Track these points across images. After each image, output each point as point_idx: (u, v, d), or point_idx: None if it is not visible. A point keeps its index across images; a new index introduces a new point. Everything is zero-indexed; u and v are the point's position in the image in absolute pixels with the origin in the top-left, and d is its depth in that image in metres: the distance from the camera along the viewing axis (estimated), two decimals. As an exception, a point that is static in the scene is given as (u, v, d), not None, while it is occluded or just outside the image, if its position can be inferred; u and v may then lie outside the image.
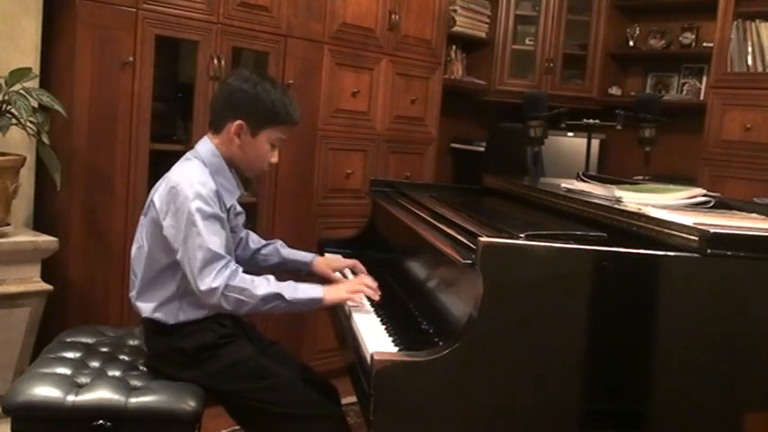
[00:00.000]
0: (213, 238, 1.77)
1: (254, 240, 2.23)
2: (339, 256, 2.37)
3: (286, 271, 2.25)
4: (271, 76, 2.03)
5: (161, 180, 1.91)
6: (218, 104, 1.97)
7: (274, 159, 1.99)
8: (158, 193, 1.86)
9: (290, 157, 3.00)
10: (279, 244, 2.25)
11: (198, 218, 1.76)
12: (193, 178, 1.82)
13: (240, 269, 1.80)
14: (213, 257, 1.75)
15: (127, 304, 2.53)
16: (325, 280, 2.18)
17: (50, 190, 2.41)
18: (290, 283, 1.84)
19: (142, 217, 1.94)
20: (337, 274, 2.19)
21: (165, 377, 1.86)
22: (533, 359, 1.45)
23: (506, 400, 1.45)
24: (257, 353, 1.93)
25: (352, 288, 1.94)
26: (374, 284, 1.97)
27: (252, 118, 1.90)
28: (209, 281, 1.74)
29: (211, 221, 1.78)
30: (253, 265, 2.23)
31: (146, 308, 1.88)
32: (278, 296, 1.79)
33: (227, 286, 1.75)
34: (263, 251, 2.23)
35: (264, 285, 1.79)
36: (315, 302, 1.87)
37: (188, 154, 1.96)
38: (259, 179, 2.95)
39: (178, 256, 1.79)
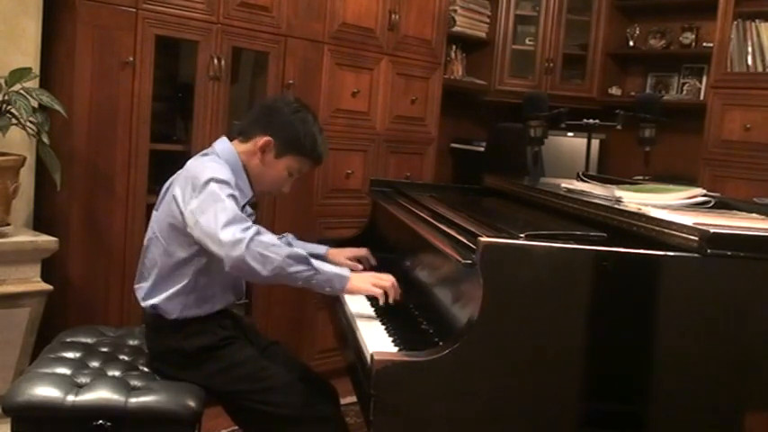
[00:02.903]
0: (236, 208, 1.77)
1: None
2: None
3: None
4: (314, 113, 2.04)
5: (175, 175, 1.92)
6: (255, 115, 2.01)
7: (286, 189, 2.02)
8: (177, 185, 1.85)
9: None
10: (290, 237, 2.25)
11: (221, 194, 1.76)
12: (212, 167, 1.84)
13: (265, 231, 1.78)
14: (238, 218, 1.74)
15: (127, 304, 2.55)
16: None
17: (50, 190, 2.40)
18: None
19: (155, 211, 1.95)
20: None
21: (165, 377, 1.86)
22: (533, 359, 1.45)
23: (506, 400, 1.45)
24: (257, 354, 1.93)
25: (377, 282, 1.85)
26: (398, 288, 1.87)
27: (281, 140, 1.93)
28: (235, 230, 1.70)
29: (232, 199, 1.78)
30: None
31: (150, 300, 1.88)
32: (305, 259, 1.75)
33: (252, 239, 1.70)
34: None
35: (291, 248, 1.78)
36: (341, 279, 1.80)
37: (205, 151, 1.98)
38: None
39: (196, 234, 1.75)
